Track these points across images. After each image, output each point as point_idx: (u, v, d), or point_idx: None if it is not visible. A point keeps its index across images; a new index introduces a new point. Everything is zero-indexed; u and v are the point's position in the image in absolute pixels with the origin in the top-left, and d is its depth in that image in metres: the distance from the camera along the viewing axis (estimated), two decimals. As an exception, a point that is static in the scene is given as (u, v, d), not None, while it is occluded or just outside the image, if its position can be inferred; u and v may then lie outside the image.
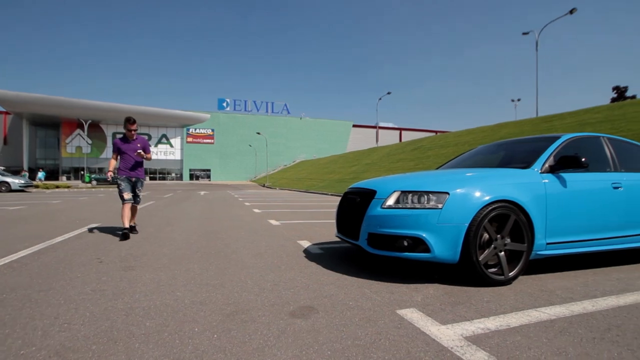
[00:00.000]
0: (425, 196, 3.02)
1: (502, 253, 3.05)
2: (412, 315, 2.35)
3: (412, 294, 2.79)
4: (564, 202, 3.32)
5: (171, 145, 69.22)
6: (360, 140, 76.61)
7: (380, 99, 47.74)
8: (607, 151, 3.89)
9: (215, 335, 2.03)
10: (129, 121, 5.50)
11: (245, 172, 71.74)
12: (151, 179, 66.64)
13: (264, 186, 41.02)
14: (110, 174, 5.62)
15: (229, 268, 3.56)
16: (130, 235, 5.35)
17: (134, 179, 5.50)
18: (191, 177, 69.81)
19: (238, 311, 2.41)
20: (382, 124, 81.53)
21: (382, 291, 2.85)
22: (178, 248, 4.51)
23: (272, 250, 4.42)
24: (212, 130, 70.87)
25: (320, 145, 77.26)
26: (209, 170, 71.36)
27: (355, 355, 1.82)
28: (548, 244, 3.26)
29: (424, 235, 2.91)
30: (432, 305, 2.54)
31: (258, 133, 55.35)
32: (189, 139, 69.43)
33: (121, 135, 5.56)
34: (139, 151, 5.45)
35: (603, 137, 4.04)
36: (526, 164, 3.53)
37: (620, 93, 48.75)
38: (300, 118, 79.21)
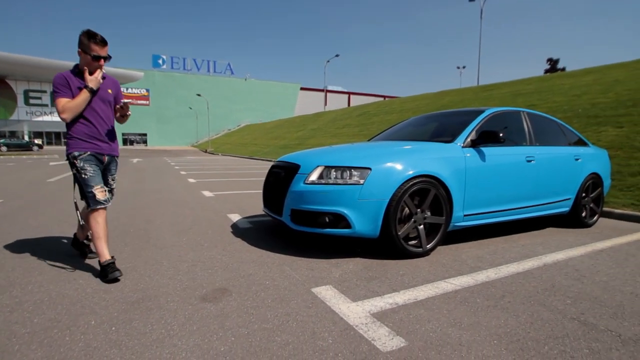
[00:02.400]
0: (348, 171, 3.01)
1: (422, 226, 3.17)
2: (327, 293, 2.37)
3: (331, 270, 2.81)
4: (482, 175, 3.49)
5: (100, 107, 63.29)
6: (309, 104, 75.54)
7: (328, 61, 47.12)
8: (525, 125, 4.13)
9: (114, 328, 1.89)
10: (94, 38, 2.57)
11: (186, 137, 68.22)
12: (79, 144, 60.78)
13: (206, 152, 39.50)
14: (95, 79, 2.64)
15: (147, 248, 3.35)
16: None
17: (106, 158, 2.80)
18: (124, 142, 64.85)
19: (145, 298, 2.26)
20: (331, 88, 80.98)
21: (302, 268, 2.84)
22: (93, 226, 4.15)
23: (198, 227, 4.24)
24: (147, 91, 65.63)
25: (267, 109, 75.14)
26: (145, 135, 66.73)
27: (259, 340, 1.79)
28: (465, 215, 3.44)
29: (345, 211, 2.91)
30: (349, 281, 2.58)
31: (198, 95, 52.30)
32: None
33: (73, 71, 2.70)
34: (124, 101, 2.81)
35: (523, 111, 4.27)
36: (450, 137, 3.62)
37: (553, 65, 52.43)
38: (245, 79, 75.95)
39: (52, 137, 58.06)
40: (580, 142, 4.68)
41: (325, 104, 51.21)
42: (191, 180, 9.76)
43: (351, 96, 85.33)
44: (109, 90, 2.80)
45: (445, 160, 3.28)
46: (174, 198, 6.47)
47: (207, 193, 7.18)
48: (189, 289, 2.41)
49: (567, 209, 4.33)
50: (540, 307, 2.19)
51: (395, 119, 21.42)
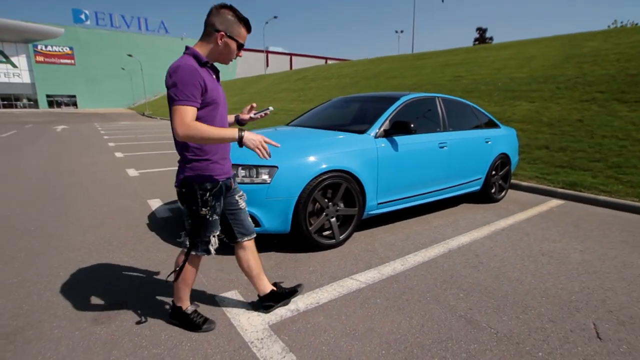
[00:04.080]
0: (255, 170, 2.90)
1: (334, 219, 3.19)
2: (230, 300, 2.34)
3: (242, 270, 2.76)
4: (396, 164, 3.55)
5: (13, 65, 55.51)
6: (251, 66, 71.88)
7: (266, 22, 44.95)
8: (440, 111, 4.22)
9: (-22, 371, 1.71)
10: (247, 23, 1.82)
11: (121, 99, 62.79)
12: (-9, 107, 53.87)
13: (143, 115, 36.91)
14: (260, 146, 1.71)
15: (46, 252, 3.07)
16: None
17: (232, 180, 2.04)
18: (51, 104, 58.47)
19: (26, 325, 2.06)
20: (272, 49, 77.84)
21: (212, 269, 2.77)
22: (-14, 225, 3.72)
23: (112, 219, 3.96)
24: (71, 49, 58.64)
25: (207, 70, 70.71)
26: (74, 97, 60.39)
27: (145, 371, 1.72)
28: (379, 203, 3.52)
29: (253, 211, 2.84)
30: (256, 284, 2.55)
31: (129, 55, 47.77)
32: (39, 58, 56.55)
33: (198, 61, 1.72)
34: (270, 108, 2.21)
35: (438, 97, 4.34)
36: (364, 127, 3.61)
37: (482, 34, 53.99)
38: (182, 39, 70.28)
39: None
40: (491, 124, 4.93)
41: (267, 65, 49.35)
42: (118, 154, 9.07)
43: (293, 58, 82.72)
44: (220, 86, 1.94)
45: (357, 153, 3.28)
46: (94, 180, 5.95)
47: (132, 172, 6.72)
48: (82, 308, 2.25)
49: (478, 187, 4.61)
50: (435, 304, 2.32)
51: (333, 84, 21.48)
